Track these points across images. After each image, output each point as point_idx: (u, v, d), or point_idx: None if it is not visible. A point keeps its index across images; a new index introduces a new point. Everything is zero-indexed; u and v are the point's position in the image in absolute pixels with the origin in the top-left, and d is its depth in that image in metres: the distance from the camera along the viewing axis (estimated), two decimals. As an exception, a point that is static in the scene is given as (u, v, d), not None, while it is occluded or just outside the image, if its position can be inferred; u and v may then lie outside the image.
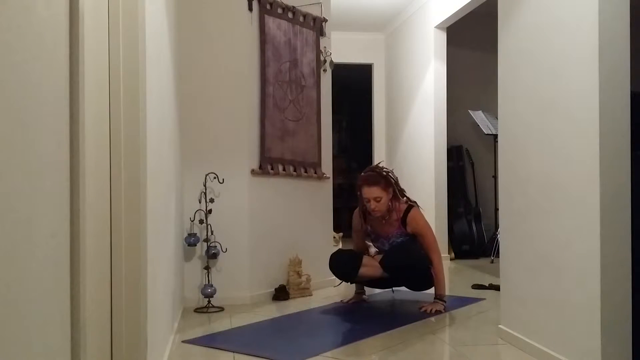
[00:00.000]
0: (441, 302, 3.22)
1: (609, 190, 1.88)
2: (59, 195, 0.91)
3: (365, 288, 3.56)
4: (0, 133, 0.66)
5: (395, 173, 3.40)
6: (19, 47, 0.73)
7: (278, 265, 3.69)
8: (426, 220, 3.36)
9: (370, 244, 3.60)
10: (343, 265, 3.32)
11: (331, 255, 3.44)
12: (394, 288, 3.65)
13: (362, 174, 3.32)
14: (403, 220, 3.29)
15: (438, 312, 3.15)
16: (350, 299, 3.47)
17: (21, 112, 0.74)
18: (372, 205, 3.21)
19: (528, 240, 2.36)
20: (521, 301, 2.42)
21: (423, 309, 3.17)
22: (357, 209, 3.44)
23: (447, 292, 3.92)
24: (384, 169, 3.34)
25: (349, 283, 3.49)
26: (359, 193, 3.29)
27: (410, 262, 3.19)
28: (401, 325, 2.88)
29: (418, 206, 3.39)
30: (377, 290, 3.73)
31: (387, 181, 3.25)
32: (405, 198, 3.39)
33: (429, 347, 2.58)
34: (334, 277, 3.50)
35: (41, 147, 0.82)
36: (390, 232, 3.33)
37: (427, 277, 3.27)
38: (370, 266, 3.29)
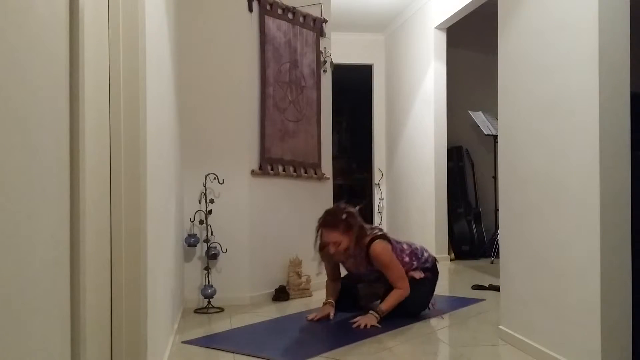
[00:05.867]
0: (376, 316, 2.90)
1: (609, 190, 1.88)
2: (59, 195, 0.91)
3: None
4: (0, 133, 0.66)
5: (358, 213, 3.09)
6: (19, 47, 0.73)
7: (278, 266, 3.69)
8: (391, 254, 3.03)
9: None
10: (341, 302, 3.19)
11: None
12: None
13: (324, 214, 3.06)
14: (368, 257, 3.03)
15: (374, 327, 2.84)
16: (316, 315, 3.05)
17: (21, 112, 0.74)
18: (332, 249, 2.96)
19: (528, 241, 2.35)
20: (521, 302, 2.41)
21: (356, 325, 2.85)
22: None
23: (447, 293, 3.93)
24: (345, 211, 3.02)
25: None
26: (318, 235, 3.03)
27: (406, 309, 3.06)
28: (401, 326, 2.88)
29: (384, 237, 3.08)
30: None
31: (347, 224, 2.95)
32: (369, 235, 3.06)
33: (429, 347, 2.57)
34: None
35: (41, 147, 0.82)
36: (361, 271, 3.13)
37: (419, 308, 3.14)
38: (368, 286, 3.22)
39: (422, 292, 3.14)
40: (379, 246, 3.00)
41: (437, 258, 3.40)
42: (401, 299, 3.00)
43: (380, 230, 3.15)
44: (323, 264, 3.24)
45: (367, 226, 3.09)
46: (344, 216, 2.97)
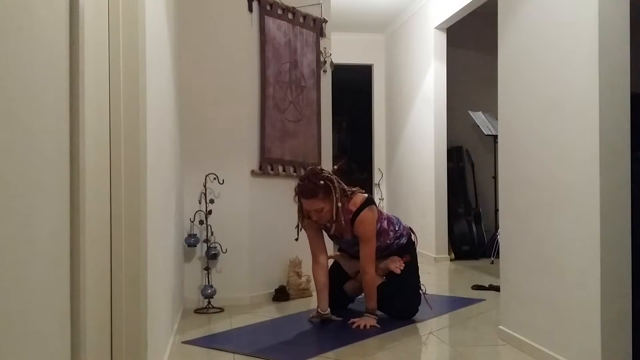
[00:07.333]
0: (373, 317, 2.91)
1: (609, 191, 1.88)
2: (59, 195, 0.91)
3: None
4: (0, 133, 0.66)
5: (333, 173, 3.03)
6: (19, 47, 0.73)
7: (278, 266, 3.69)
8: (374, 229, 2.96)
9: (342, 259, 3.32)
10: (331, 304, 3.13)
11: None
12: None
13: (299, 182, 2.95)
14: (353, 221, 2.95)
15: (374, 327, 2.84)
16: (314, 316, 3.06)
17: (21, 112, 0.74)
18: (315, 217, 2.92)
19: (528, 241, 2.35)
20: (521, 302, 2.41)
21: (355, 325, 2.85)
22: None
23: (447, 293, 3.93)
24: (322, 174, 2.91)
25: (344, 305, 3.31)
26: (298, 204, 2.97)
27: (399, 307, 3.05)
28: (401, 326, 2.88)
29: (373, 203, 2.99)
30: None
31: (326, 189, 2.86)
32: (356, 194, 2.99)
33: (429, 347, 2.58)
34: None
35: (41, 147, 0.82)
36: (345, 234, 3.03)
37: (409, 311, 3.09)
38: (355, 281, 3.20)
39: (411, 286, 3.09)
40: (368, 215, 2.92)
41: (411, 227, 3.28)
42: (374, 286, 2.94)
43: (362, 191, 3.05)
44: (302, 229, 3.10)
45: (347, 188, 2.99)
46: (321, 182, 2.86)
